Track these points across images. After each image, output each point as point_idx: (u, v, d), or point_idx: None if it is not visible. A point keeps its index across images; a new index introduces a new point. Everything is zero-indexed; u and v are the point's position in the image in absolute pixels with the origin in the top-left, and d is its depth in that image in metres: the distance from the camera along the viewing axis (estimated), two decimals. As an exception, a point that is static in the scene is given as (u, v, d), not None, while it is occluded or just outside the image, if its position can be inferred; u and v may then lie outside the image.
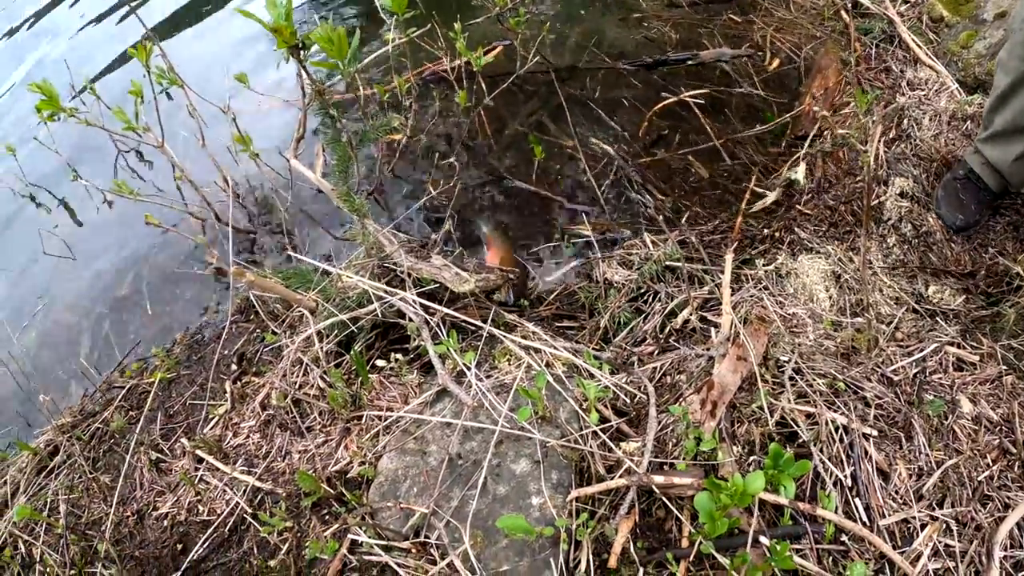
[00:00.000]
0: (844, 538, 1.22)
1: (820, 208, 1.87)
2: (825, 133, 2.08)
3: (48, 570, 1.57)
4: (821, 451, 1.31)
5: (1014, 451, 1.34)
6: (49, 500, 1.69)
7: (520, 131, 2.37)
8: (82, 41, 3.63)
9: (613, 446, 1.34)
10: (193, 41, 3.32)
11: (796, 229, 1.83)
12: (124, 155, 2.74)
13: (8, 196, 2.74)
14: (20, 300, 2.39)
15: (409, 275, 1.59)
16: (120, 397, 1.90)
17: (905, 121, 2.02)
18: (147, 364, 2.02)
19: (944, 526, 1.25)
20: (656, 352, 1.60)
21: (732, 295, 1.62)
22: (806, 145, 2.07)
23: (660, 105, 2.26)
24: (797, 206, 1.90)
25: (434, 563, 1.26)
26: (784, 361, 1.43)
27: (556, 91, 2.43)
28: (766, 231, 1.85)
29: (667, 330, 1.64)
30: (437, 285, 1.62)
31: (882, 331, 1.49)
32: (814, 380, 1.39)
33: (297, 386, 1.62)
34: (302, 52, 1.29)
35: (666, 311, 1.66)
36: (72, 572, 1.55)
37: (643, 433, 1.36)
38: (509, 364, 1.52)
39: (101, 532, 1.59)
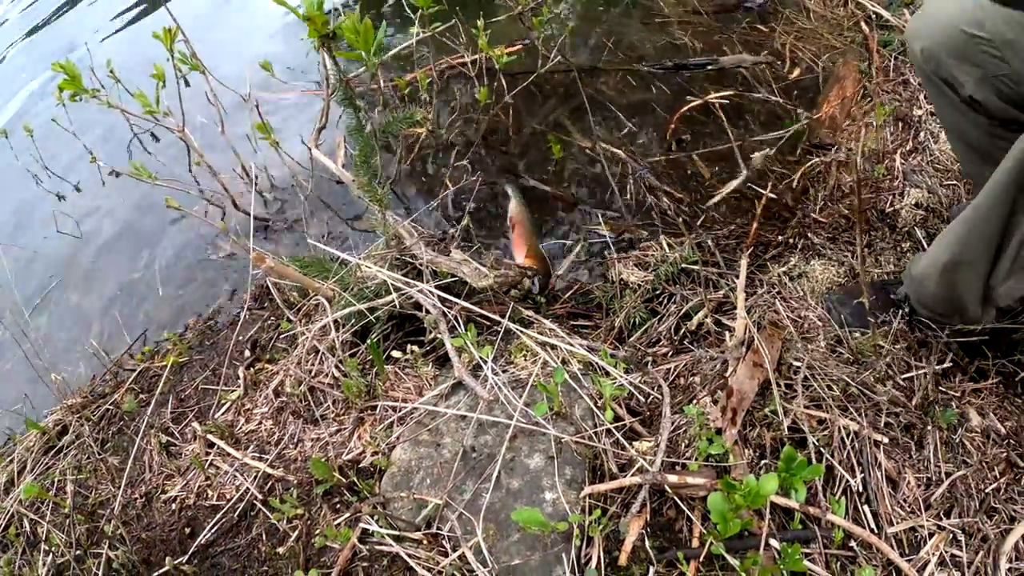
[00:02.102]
0: (853, 544, 1.23)
1: (835, 216, 1.89)
2: (841, 143, 2.09)
3: (54, 549, 1.57)
4: (832, 456, 1.32)
5: (1021, 465, 1.35)
6: (56, 480, 1.70)
7: (539, 130, 2.38)
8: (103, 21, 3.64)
9: (627, 444, 1.34)
10: (214, 29, 3.33)
11: (810, 235, 1.84)
12: (140, 139, 2.75)
13: (24, 176, 2.74)
14: (32, 280, 2.40)
15: (428, 267, 1.60)
16: (131, 380, 1.90)
17: (922, 134, 2.03)
18: (158, 348, 2.02)
19: (951, 536, 1.26)
20: (670, 353, 1.60)
21: (746, 299, 1.63)
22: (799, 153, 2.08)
23: (686, 107, 2.27)
24: (812, 214, 1.91)
25: (445, 555, 1.27)
26: (797, 366, 1.44)
27: (575, 91, 2.44)
28: (780, 237, 1.86)
29: (682, 332, 1.65)
30: (455, 279, 1.63)
31: (885, 337, 1.49)
32: (827, 385, 1.40)
33: (312, 374, 1.63)
34: (331, 42, 1.30)
35: (681, 313, 1.67)
36: (78, 552, 1.55)
37: (656, 433, 1.37)
38: (525, 360, 1.53)
39: (108, 513, 1.60)
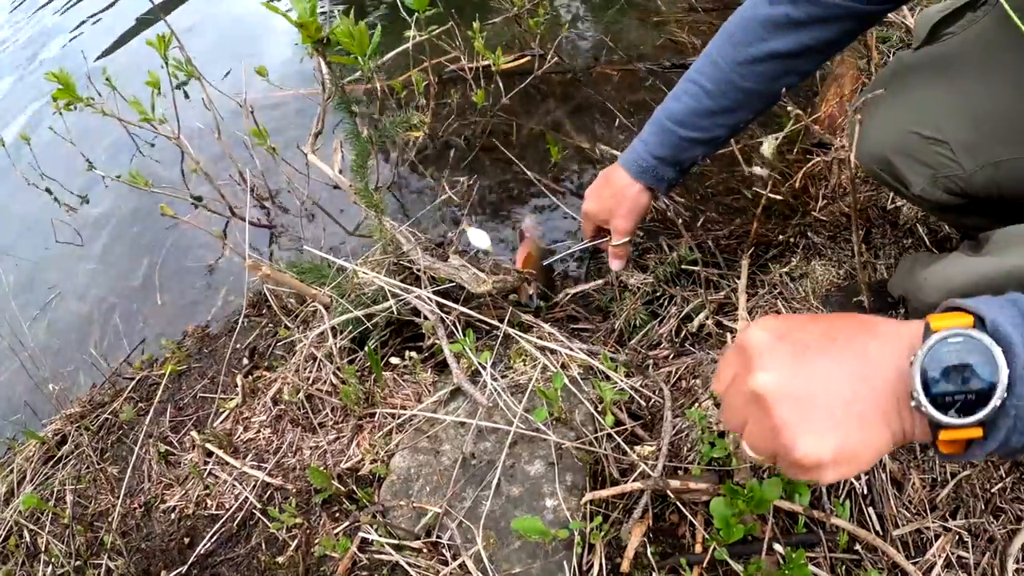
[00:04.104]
0: (858, 547, 1.22)
1: (836, 215, 1.87)
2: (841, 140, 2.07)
3: (53, 560, 1.57)
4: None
5: (1028, 464, 1.33)
6: (56, 490, 1.69)
7: (537, 131, 2.37)
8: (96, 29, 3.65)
9: (628, 449, 1.33)
10: (208, 31, 3.33)
11: (810, 234, 1.82)
12: (138, 146, 2.75)
13: (21, 185, 2.74)
14: (31, 289, 2.40)
15: (425, 273, 1.59)
16: (130, 388, 1.89)
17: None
18: (157, 356, 2.01)
19: (957, 537, 1.24)
20: (671, 356, 1.59)
21: (748, 300, 1.62)
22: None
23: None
24: (813, 212, 1.90)
25: (446, 563, 1.26)
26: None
27: (574, 91, 2.42)
28: (781, 236, 1.85)
29: (683, 334, 1.64)
30: (453, 284, 1.62)
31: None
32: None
33: (310, 382, 1.62)
34: (325, 48, 1.29)
35: (682, 315, 1.65)
36: (77, 563, 1.55)
37: (658, 437, 1.35)
38: (524, 364, 1.51)
39: (108, 523, 1.59)
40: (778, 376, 0.60)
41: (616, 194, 1.45)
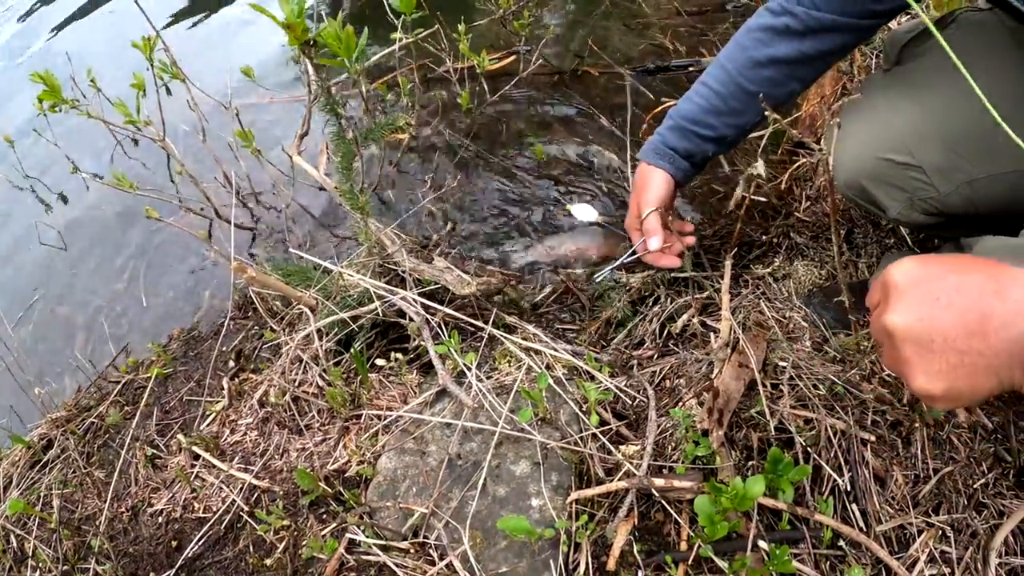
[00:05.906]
0: (841, 543, 1.23)
1: (818, 215, 1.89)
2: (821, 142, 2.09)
3: (41, 565, 1.56)
4: (819, 455, 1.31)
5: (1009, 459, 1.34)
6: (42, 495, 1.68)
7: (522, 132, 2.37)
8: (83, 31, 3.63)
9: (613, 448, 1.34)
10: (194, 34, 3.31)
11: (793, 235, 1.84)
12: (123, 147, 2.74)
13: (5, 187, 2.72)
14: (16, 292, 2.38)
15: (410, 275, 1.59)
16: (116, 392, 1.89)
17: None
18: (143, 359, 2.01)
19: (940, 532, 1.25)
20: (656, 356, 1.60)
21: (731, 300, 1.63)
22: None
23: (660, 108, 2.27)
24: (796, 213, 1.91)
25: (433, 564, 1.26)
26: (783, 366, 1.44)
27: (559, 93, 2.43)
28: (764, 237, 1.86)
29: (667, 334, 1.65)
30: (438, 285, 1.62)
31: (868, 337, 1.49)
32: (812, 384, 1.40)
33: (296, 384, 1.62)
34: (312, 49, 1.29)
35: (666, 315, 1.66)
36: (65, 567, 1.54)
37: (643, 436, 1.36)
38: (510, 365, 1.52)
39: (95, 527, 1.58)
40: (905, 320, 0.71)
41: (638, 181, 1.50)
